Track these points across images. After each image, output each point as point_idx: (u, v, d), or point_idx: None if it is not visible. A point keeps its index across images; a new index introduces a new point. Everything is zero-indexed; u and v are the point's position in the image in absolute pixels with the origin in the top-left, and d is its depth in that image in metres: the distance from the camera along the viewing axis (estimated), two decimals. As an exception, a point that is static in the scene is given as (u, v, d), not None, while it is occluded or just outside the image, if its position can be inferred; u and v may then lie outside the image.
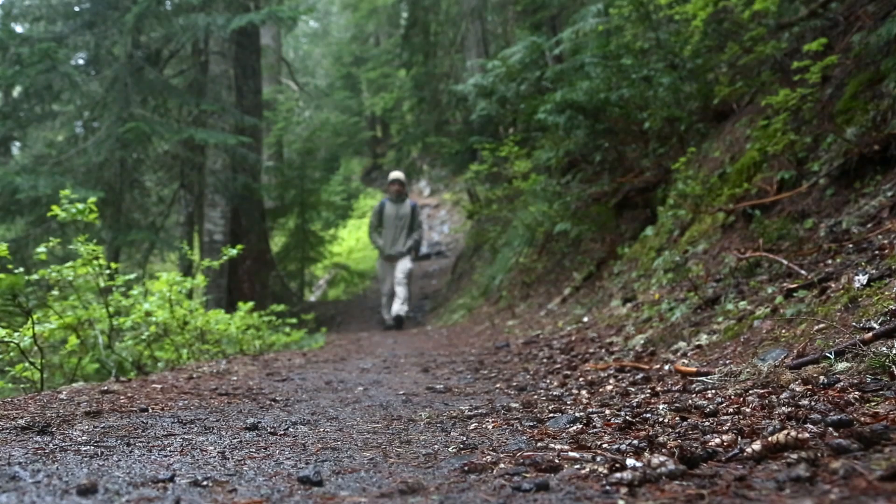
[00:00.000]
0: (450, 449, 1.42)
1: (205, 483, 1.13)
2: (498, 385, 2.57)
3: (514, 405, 1.99)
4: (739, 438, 1.28)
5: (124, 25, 9.38)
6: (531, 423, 1.67)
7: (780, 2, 4.28)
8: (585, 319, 4.62)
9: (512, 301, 7.47)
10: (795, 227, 3.25)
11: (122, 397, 2.15)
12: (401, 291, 8.79)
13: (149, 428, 1.65)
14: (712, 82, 5.23)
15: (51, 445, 1.41)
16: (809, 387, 1.66)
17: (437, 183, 21.05)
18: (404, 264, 8.95)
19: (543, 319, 5.68)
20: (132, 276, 3.83)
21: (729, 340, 2.53)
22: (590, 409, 1.81)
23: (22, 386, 3.06)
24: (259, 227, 12.44)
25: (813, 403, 1.48)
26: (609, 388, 2.21)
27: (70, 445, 1.42)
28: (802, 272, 2.68)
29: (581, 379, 2.51)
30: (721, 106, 5.24)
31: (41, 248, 3.36)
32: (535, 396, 2.17)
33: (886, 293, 2.05)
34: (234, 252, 4.30)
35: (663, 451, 1.24)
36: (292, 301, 13.41)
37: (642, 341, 3.17)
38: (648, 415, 1.63)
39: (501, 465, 1.23)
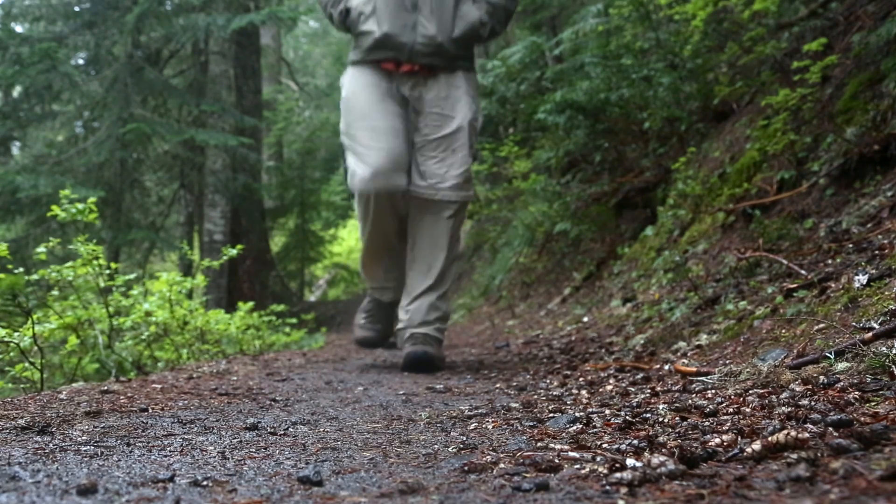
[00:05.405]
0: (450, 449, 1.42)
1: (205, 483, 1.13)
2: (498, 385, 2.57)
3: (514, 405, 1.99)
4: (739, 438, 1.28)
5: (124, 25, 9.39)
6: (531, 423, 1.67)
7: (780, 2, 4.28)
8: (585, 319, 4.62)
9: (512, 301, 7.48)
10: (795, 227, 3.25)
11: (122, 397, 2.15)
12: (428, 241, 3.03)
13: (149, 428, 1.65)
14: (712, 82, 5.23)
15: (51, 445, 1.41)
16: (809, 387, 1.66)
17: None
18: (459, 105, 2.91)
19: (543, 319, 5.68)
20: (132, 276, 3.82)
21: (729, 340, 2.53)
22: (590, 409, 1.81)
23: (22, 386, 3.06)
24: (259, 227, 12.44)
25: (813, 403, 1.48)
26: (609, 388, 2.21)
27: (70, 445, 1.42)
28: (802, 272, 2.68)
29: (581, 379, 2.51)
30: (721, 106, 5.24)
31: (41, 248, 3.35)
32: (535, 396, 2.17)
33: (886, 293, 2.04)
34: (234, 252, 4.29)
35: (663, 450, 1.24)
36: (292, 301, 13.41)
37: (642, 341, 3.17)
38: (648, 415, 1.63)
39: (501, 465, 1.23)
